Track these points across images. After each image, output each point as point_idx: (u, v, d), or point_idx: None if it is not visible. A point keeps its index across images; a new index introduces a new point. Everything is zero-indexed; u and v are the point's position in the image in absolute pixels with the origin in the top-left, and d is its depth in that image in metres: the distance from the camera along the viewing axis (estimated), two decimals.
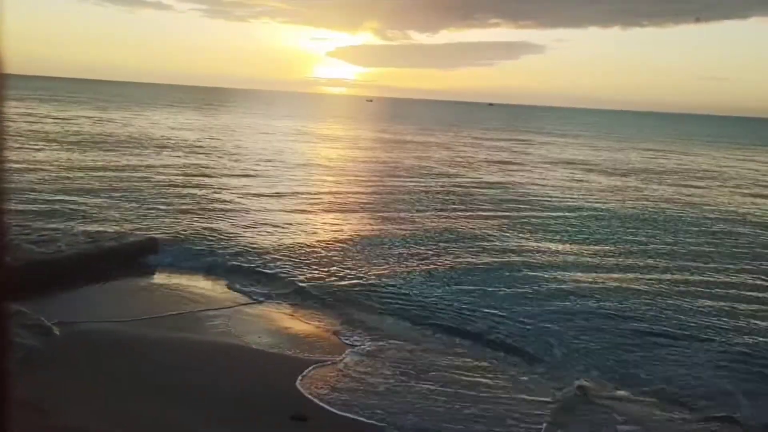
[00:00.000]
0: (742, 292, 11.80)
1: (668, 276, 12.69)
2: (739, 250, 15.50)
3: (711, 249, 15.31)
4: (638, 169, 34.21)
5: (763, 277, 12.98)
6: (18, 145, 26.56)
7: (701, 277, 12.70)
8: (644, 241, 15.91)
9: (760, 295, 11.74)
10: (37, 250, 10.74)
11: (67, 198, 16.79)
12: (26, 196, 16.48)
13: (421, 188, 23.02)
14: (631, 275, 12.55)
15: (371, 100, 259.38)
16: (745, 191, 27.38)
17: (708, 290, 11.79)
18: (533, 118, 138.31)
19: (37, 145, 27.79)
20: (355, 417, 6.60)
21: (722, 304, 11.00)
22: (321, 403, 6.82)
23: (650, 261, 13.79)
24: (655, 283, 12.11)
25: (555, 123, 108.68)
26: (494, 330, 9.17)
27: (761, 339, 9.48)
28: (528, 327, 9.31)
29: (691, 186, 27.99)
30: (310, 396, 6.98)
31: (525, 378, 7.76)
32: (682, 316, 10.23)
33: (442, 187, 23.80)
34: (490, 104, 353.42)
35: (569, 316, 9.97)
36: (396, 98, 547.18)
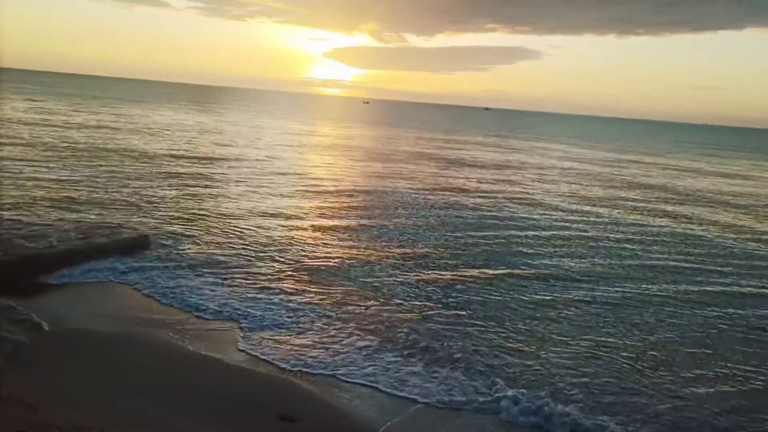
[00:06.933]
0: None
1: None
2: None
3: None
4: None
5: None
6: (9, 140, 26.43)
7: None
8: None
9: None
10: (28, 245, 10.67)
11: (60, 194, 16.68)
12: (19, 191, 16.38)
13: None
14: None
15: (368, 102, 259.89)
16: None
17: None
18: (529, 123, 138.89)
19: (29, 140, 27.62)
20: (348, 416, 6.60)
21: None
22: (312, 403, 6.82)
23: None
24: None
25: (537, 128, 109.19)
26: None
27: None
28: None
29: None
30: (301, 395, 6.98)
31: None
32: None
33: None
34: (487, 108, 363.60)
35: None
36: (392, 101, 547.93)
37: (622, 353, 8.96)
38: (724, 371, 8.67)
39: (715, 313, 11.14)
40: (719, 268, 14.43)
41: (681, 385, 8.09)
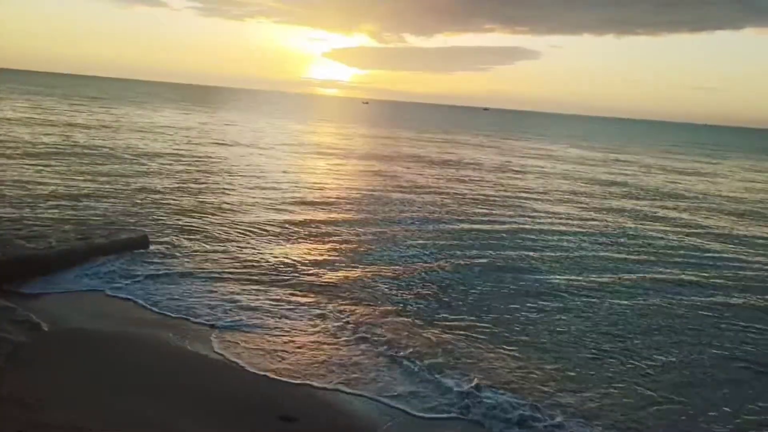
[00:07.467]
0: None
1: None
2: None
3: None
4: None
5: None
6: (9, 139, 26.45)
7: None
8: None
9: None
10: (28, 245, 10.65)
11: (60, 194, 16.67)
12: (19, 191, 16.38)
13: None
14: None
15: (367, 102, 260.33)
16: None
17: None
18: (528, 124, 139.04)
19: (29, 140, 27.62)
20: (347, 417, 6.59)
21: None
22: (312, 403, 6.81)
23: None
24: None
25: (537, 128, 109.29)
26: None
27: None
28: None
29: None
30: (300, 396, 6.97)
31: None
32: None
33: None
34: (486, 109, 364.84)
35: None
36: (391, 101, 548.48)
37: (623, 355, 8.96)
38: (723, 370, 8.70)
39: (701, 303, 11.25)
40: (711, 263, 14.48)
41: (680, 387, 8.07)
